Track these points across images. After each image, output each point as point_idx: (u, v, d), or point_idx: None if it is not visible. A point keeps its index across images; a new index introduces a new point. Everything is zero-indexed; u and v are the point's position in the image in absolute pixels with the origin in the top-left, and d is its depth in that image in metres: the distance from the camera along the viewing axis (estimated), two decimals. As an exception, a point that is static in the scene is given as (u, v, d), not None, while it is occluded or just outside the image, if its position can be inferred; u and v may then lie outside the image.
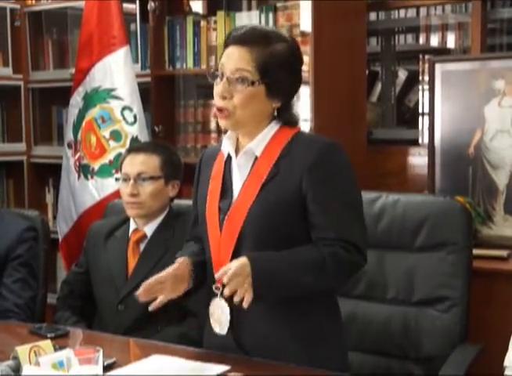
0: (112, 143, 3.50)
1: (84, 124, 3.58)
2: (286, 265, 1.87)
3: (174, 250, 2.48)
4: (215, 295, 1.92)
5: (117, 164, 3.28)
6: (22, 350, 1.82)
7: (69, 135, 3.68)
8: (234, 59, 1.92)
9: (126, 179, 2.68)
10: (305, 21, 3.18)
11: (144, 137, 3.52)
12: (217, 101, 1.94)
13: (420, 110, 4.02)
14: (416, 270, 2.39)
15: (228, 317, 1.91)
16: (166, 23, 3.66)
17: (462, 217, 2.35)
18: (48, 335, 2.13)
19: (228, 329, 1.92)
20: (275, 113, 1.99)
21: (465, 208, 2.39)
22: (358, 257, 1.92)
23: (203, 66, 3.55)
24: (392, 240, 2.44)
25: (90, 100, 3.57)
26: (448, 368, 2.15)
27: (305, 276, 1.88)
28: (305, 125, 3.08)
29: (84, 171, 3.57)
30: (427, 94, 3.50)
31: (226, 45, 1.96)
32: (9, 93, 4.19)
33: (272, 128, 1.98)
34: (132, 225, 2.71)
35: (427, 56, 4.39)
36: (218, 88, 1.93)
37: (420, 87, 4.11)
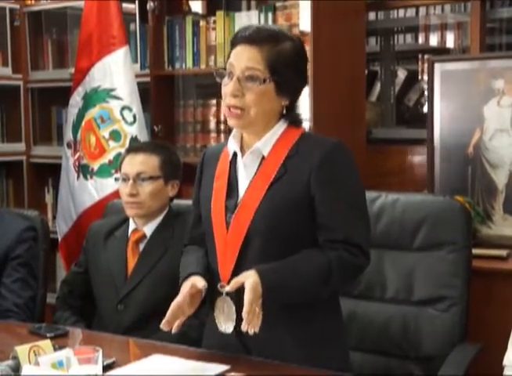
0: (111, 143, 3.50)
1: (83, 124, 3.58)
2: (294, 277, 1.88)
3: (173, 250, 2.49)
4: (220, 294, 1.93)
5: (116, 164, 3.28)
6: (21, 350, 1.82)
7: (68, 135, 3.68)
8: (244, 58, 1.93)
9: (125, 179, 2.68)
10: (304, 21, 3.18)
11: (143, 137, 3.52)
12: (229, 100, 1.95)
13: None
14: (416, 270, 2.39)
15: (234, 316, 1.91)
16: (165, 23, 3.66)
17: (461, 216, 2.35)
18: (48, 335, 2.13)
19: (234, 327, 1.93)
20: (284, 112, 2.00)
21: (464, 208, 2.39)
22: (362, 259, 1.93)
23: (203, 66, 3.55)
24: (392, 240, 2.44)
25: (89, 100, 3.57)
26: (447, 367, 2.16)
27: (313, 285, 1.90)
28: (305, 125, 3.07)
29: (84, 171, 3.57)
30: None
31: (234, 44, 1.98)
32: (8, 93, 4.20)
33: (280, 127, 2.00)
34: (132, 225, 2.71)
35: (426, 56, 4.40)
36: (229, 87, 1.94)
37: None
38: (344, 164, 1.97)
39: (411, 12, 4.47)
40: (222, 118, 3.51)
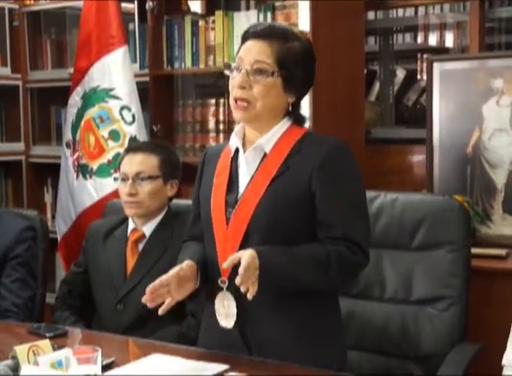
0: (110, 143, 3.50)
1: (82, 123, 3.58)
2: (292, 259, 1.89)
3: (172, 249, 2.49)
4: (220, 289, 1.93)
5: (115, 163, 3.28)
6: (21, 350, 1.82)
7: (67, 135, 3.68)
8: (253, 52, 1.95)
9: (124, 179, 2.68)
10: (303, 21, 3.18)
11: (142, 137, 3.51)
12: (236, 92, 1.96)
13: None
14: (415, 269, 2.39)
15: (235, 310, 1.92)
16: (164, 22, 3.66)
17: (460, 216, 2.36)
18: (47, 335, 2.13)
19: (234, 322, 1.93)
20: (290, 109, 2.01)
21: (463, 207, 2.39)
22: (362, 257, 1.94)
23: (202, 66, 3.55)
24: (391, 239, 2.44)
25: (88, 100, 3.57)
26: (446, 367, 2.16)
27: (310, 271, 1.90)
28: (306, 124, 3.08)
29: (83, 170, 3.57)
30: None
31: (244, 39, 2.00)
32: (7, 93, 4.19)
33: (284, 124, 2.01)
34: (131, 225, 2.71)
35: (425, 55, 4.40)
36: (237, 79, 1.95)
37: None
38: (346, 164, 1.98)
39: (410, 11, 4.48)
40: (221, 118, 3.51)
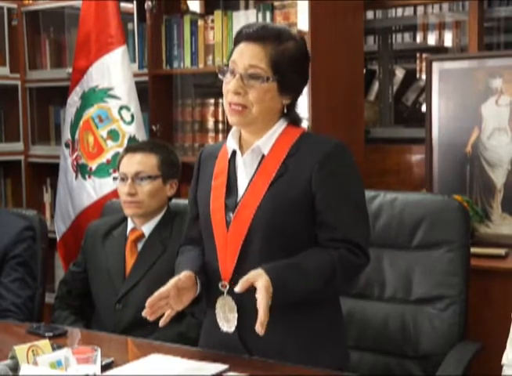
0: (109, 143, 3.50)
1: (81, 123, 3.58)
2: (300, 276, 1.87)
3: (172, 249, 2.49)
4: (221, 293, 1.93)
5: (114, 163, 3.28)
6: (20, 349, 1.81)
7: (66, 135, 3.68)
8: (247, 56, 1.92)
9: (124, 179, 2.68)
10: (303, 20, 3.18)
11: (142, 136, 3.51)
12: (231, 97, 1.93)
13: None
14: (414, 269, 2.39)
15: (236, 315, 1.91)
16: (163, 22, 3.66)
17: (460, 215, 2.35)
18: (46, 335, 2.13)
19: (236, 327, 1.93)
20: (285, 111, 2.00)
21: (463, 207, 2.39)
22: (363, 258, 1.94)
23: (201, 66, 3.55)
24: (390, 239, 2.44)
25: (87, 100, 3.57)
26: (446, 366, 2.15)
27: (317, 285, 1.89)
28: (303, 124, 3.08)
29: (82, 170, 3.57)
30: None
31: (237, 41, 1.97)
32: (6, 93, 4.19)
33: (280, 126, 1.99)
34: (130, 225, 2.71)
35: (424, 55, 4.41)
36: (231, 84, 1.93)
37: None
38: (346, 164, 1.97)
39: (409, 11, 4.48)
40: (220, 118, 3.51)
